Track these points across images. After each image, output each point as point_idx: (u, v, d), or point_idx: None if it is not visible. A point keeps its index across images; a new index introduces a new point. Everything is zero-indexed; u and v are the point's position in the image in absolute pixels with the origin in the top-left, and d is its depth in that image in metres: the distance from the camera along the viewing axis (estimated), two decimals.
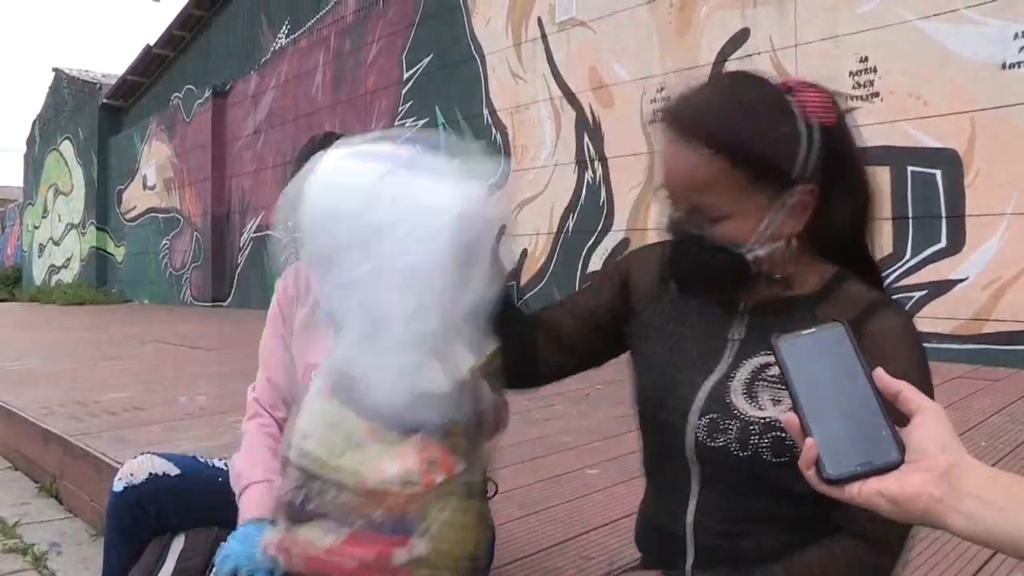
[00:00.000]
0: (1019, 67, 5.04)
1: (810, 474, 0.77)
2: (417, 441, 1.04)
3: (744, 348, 1.14)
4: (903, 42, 5.56)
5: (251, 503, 1.61)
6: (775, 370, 1.08)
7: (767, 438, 1.06)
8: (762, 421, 1.06)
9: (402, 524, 1.02)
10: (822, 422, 0.77)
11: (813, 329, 0.82)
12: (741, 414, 1.08)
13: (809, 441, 0.76)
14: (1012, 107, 5.05)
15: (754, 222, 1.07)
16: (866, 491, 0.73)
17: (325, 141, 1.74)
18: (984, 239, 5.20)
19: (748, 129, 1.04)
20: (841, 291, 1.13)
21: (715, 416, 1.10)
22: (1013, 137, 5.07)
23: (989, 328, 5.16)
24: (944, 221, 5.39)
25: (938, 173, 5.41)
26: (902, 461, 0.73)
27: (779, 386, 1.08)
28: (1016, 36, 5.04)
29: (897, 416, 0.76)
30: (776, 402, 1.07)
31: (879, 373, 0.78)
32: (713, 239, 1.07)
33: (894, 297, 1.16)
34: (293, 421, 1.10)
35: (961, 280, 5.29)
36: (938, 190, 5.41)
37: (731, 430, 1.08)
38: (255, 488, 1.64)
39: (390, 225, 1.02)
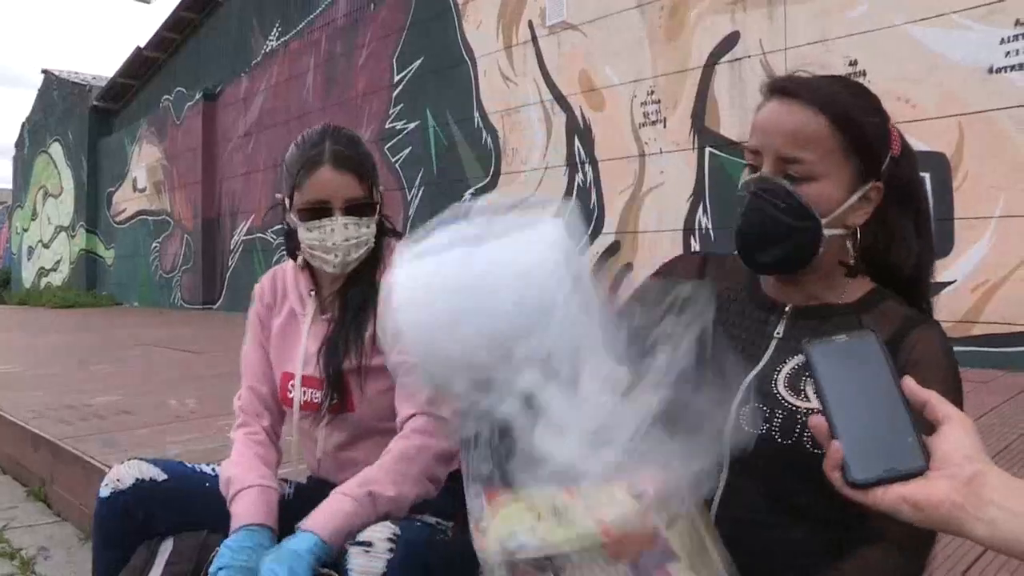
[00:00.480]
0: (1006, 71, 5.07)
1: (835, 476, 0.78)
2: (611, 479, 0.94)
3: (785, 345, 1.20)
4: (892, 46, 5.58)
5: (243, 509, 1.61)
6: None
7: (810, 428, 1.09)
8: (807, 411, 1.11)
9: (659, 561, 0.94)
10: (849, 426, 0.78)
11: (845, 335, 0.84)
12: (788, 404, 1.13)
13: (835, 444, 0.77)
14: (999, 111, 5.08)
15: (838, 195, 1.14)
16: (890, 496, 0.74)
17: (323, 135, 1.73)
18: (972, 242, 5.23)
19: (852, 104, 1.15)
20: (881, 306, 1.20)
21: (759, 405, 1.15)
22: (1000, 141, 5.10)
23: (977, 330, 5.18)
24: (932, 224, 5.40)
25: (927, 177, 5.44)
26: (927, 468, 0.74)
27: None
28: (1003, 41, 5.07)
29: (924, 424, 0.77)
30: None
31: (908, 381, 0.79)
32: (799, 197, 1.13)
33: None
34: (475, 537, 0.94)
35: (950, 283, 5.31)
36: (927, 193, 5.42)
37: (776, 418, 1.12)
38: (246, 493, 1.64)
39: (517, 302, 0.92)
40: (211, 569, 1.48)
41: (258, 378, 1.85)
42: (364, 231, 1.70)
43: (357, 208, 1.69)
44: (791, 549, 1.11)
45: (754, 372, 1.18)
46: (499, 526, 0.91)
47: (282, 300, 1.87)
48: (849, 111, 1.13)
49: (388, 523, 1.43)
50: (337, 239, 1.67)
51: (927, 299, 1.26)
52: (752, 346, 1.22)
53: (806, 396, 1.12)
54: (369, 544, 1.37)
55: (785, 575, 1.12)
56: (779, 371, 1.17)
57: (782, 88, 1.16)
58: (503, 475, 0.95)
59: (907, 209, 1.20)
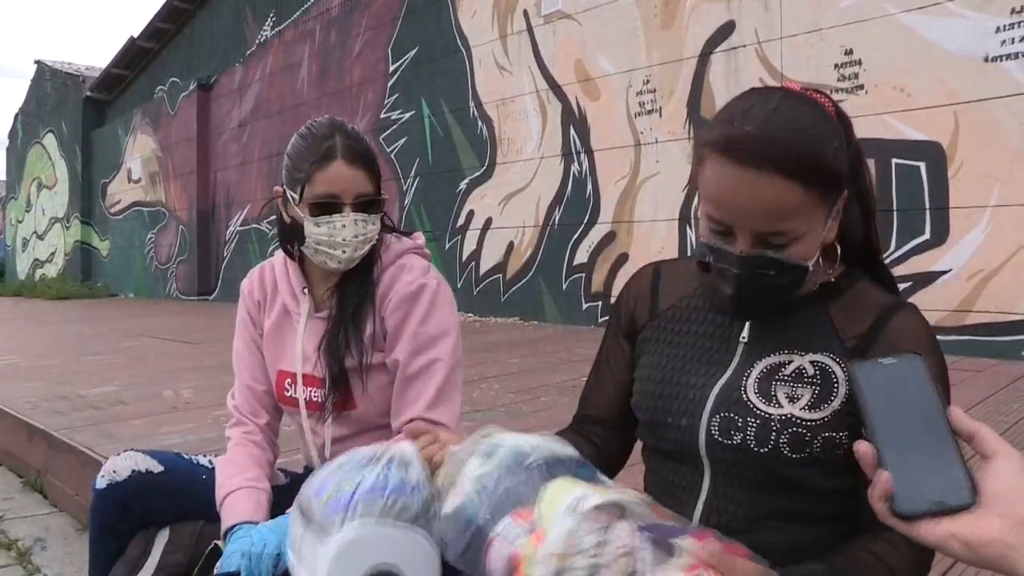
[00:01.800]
0: (1001, 60, 5.07)
1: (881, 507, 0.77)
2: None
3: (753, 348, 1.16)
4: (887, 35, 5.58)
5: (233, 510, 1.62)
6: (790, 368, 1.11)
7: (786, 434, 1.08)
8: (781, 418, 1.08)
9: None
10: (897, 455, 0.77)
11: (892, 359, 0.83)
12: (759, 411, 1.10)
13: (884, 474, 0.76)
14: (994, 100, 5.08)
15: (818, 236, 1.09)
16: (939, 532, 0.73)
17: (332, 128, 1.70)
18: (967, 231, 5.24)
19: (811, 148, 1.04)
20: (851, 291, 1.16)
21: (730, 414, 1.11)
22: (995, 130, 5.10)
23: (972, 319, 5.20)
24: (928, 213, 5.42)
25: (922, 165, 5.44)
26: (974, 503, 0.73)
27: (794, 384, 1.10)
28: (998, 30, 5.07)
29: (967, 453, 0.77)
30: (792, 399, 1.09)
31: (955, 412, 0.78)
32: (788, 260, 1.07)
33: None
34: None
35: (945, 272, 5.32)
36: (922, 182, 5.44)
37: (750, 427, 1.09)
38: (234, 495, 1.65)
39: None
40: (219, 566, 1.50)
41: (254, 377, 1.84)
42: (371, 228, 1.69)
43: (366, 204, 1.67)
44: (781, 553, 1.10)
45: (723, 380, 1.15)
46: (556, 498, 0.94)
47: (272, 297, 1.84)
48: (813, 162, 1.04)
49: None
50: (347, 235, 1.65)
51: (883, 262, 1.22)
52: (719, 352, 1.18)
53: (778, 402, 1.10)
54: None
55: None
56: (748, 376, 1.13)
57: (739, 156, 1.04)
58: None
59: (857, 183, 1.15)
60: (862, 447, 0.79)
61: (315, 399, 1.75)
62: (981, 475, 0.75)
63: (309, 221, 1.66)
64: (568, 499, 0.92)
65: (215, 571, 1.50)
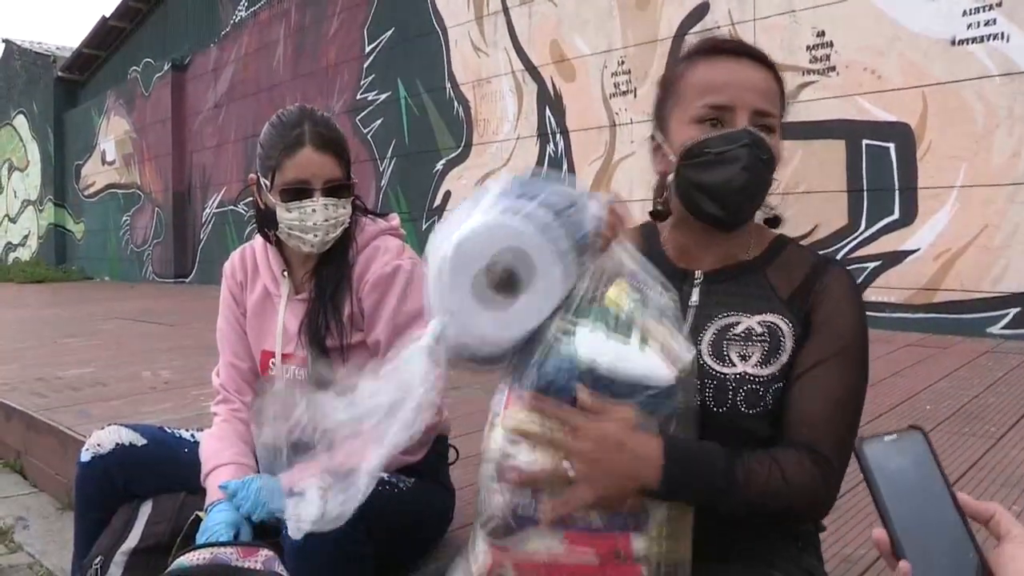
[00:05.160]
0: (967, 43, 5.15)
1: None
2: None
3: (703, 312, 1.23)
4: (858, 17, 5.65)
5: (216, 485, 1.66)
6: (739, 328, 1.19)
7: (742, 392, 1.15)
8: (735, 376, 1.15)
9: (622, 519, 1.04)
10: (913, 541, 0.79)
11: (895, 434, 0.84)
12: (715, 372, 1.16)
13: (904, 564, 0.79)
14: (961, 83, 5.17)
15: (779, 141, 1.22)
16: None
17: (301, 116, 1.75)
18: (935, 211, 5.33)
19: (775, 64, 1.25)
20: (783, 255, 1.25)
21: None
22: (962, 112, 5.19)
23: (939, 298, 5.30)
24: (897, 193, 5.51)
25: (892, 146, 5.53)
26: None
27: (744, 343, 1.18)
28: (964, 13, 5.15)
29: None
30: (744, 358, 1.16)
31: (965, 499, 0.81)
32: (774, 149, 1.20)
33: (850, 268, 1.28)
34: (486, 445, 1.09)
35: (913, 251, 5.42)
36: (891, 163, 5.53)
37: (708, 389, 1.16)
38: (221, 470, 1.69)
39: None
40: (200, 536, 1.55)
41: (238, 355, 1.89)
42: (341, 212, 1.74)
43: (336, 189, 1.73)
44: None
45: None
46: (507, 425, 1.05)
47: (253, 278, 1.89)
48: (775, 67, 1.24)
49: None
50: (318, 219, 1.70)
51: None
52: None
53: (731, 361, 1.17)
54: (302, 494, 1.45)
55: (740, 535, 1.17)
56: (701, 340, 1.19)
57: (737, 50, 1.23)
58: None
59: None
60: (878, 535, 0.82)
61: (298, 378, 1.80)
62: (995, 558, 0.76)
63: (281, 207, 1.72)
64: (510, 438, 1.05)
65: (197, 540, 1.56)
